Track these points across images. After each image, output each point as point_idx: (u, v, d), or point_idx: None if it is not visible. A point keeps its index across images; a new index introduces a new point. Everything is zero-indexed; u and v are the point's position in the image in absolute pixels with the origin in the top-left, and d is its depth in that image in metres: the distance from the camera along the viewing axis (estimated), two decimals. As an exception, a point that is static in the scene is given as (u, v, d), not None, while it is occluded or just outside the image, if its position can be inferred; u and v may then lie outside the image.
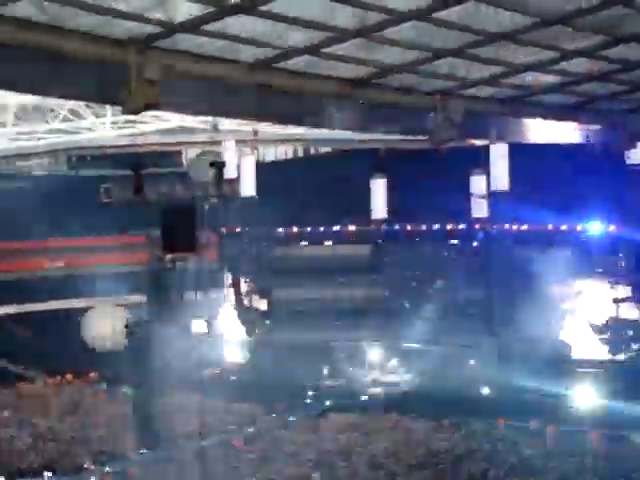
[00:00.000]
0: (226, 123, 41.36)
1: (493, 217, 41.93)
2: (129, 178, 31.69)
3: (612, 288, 40.70)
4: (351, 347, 45.57)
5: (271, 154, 49.64)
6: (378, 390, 41.78)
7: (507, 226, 42.54)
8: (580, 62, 19.25)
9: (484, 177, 41.60)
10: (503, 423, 36.33)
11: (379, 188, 43.54)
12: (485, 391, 39.95)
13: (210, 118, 39.12)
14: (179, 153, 49.55)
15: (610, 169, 38.84)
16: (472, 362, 41.95)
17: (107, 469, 32.85)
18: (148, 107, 14.27)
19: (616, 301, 40.44)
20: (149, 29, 13.92)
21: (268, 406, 40.70)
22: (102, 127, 42.02)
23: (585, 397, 31.94)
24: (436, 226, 44.77)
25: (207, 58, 15.38)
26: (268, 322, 47.90)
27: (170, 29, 13.94)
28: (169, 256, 32.50)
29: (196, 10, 13.46)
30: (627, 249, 40.47)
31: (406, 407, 38.84)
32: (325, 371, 44.59)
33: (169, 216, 23.54)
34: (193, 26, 13.87)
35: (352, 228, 46.12)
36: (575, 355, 40.69)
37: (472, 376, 41.20)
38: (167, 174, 47.17)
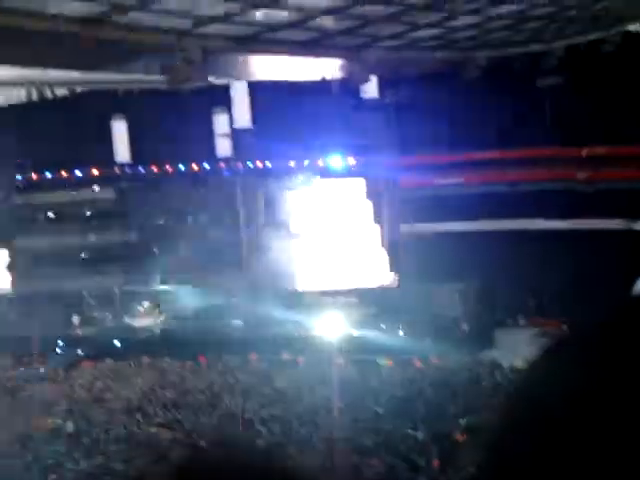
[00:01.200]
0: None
1: (238, 155, 42.24)
2: None
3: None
4: (102, 294, 44.88)
5: (2, 99, 47.36)
6: (131, 335, 41.46)
7: (251, 164, 42.95)
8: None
9: (226, 116, 41.76)
10: (256, 357, 37.19)
11: (121, 129, 42.78)
12: (238, 327, 40.53)
13: None
14: None
15: (348, 104, 39.93)
16: (224, 299, 42.39)
17: None
18: None
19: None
20: None
21: (14, 359, 39.56)
22: None
23: (332, 325, 33.08)
24: (182, 167, 44.53)
25: None
26: (11, 273, 46.33)
27: None
28: None
29: None
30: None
31: (160, 349, 38.88)
32: (76, 320, 43.75)
33: None
34: None
35: (95, 172, 45.05)
36: (318, 286, 41.98)
37: (224, 313, 41.68)
38: None
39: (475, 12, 22.90)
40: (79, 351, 39.74)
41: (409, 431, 27.05)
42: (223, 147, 42.59)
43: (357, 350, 35.53)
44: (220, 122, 42.07)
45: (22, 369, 38.59)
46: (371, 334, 37.49)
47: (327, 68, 28.09)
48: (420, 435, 26.69)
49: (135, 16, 18.00)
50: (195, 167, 44.45)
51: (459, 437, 25.90)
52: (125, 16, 17.43)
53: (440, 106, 38.85)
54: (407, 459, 25.18)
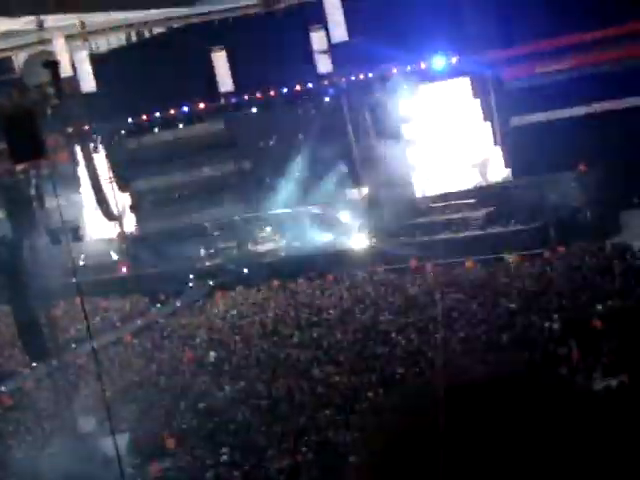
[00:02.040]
0: (51, 20, 39.74)
1: (339, 70, 41.92)
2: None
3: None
4: (223, 224, 45.58)
5: (104, 44, 48.00)
6: (257, 260, 42.08)
7: (353, 78, 42.58)
8: None
9: (323, 32, 41.41)
10: (383, 269, 37.32)
11: (221, 61, 42.92)
12: (361, 242, 40.70)
13: (33, 17, 37.51)
14: (9, 59, 47.54)
15: (446, 1, 39.16)
16: (342, 216, 42.57)
17: (2, 388, 32.57)
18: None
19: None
20: None
21: (151, 297, 40.74)
22: None
23: (454, 227, 33.10)
24: (285, 89, 44.47)
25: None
26: (134, 214, 47.43)
27: None
28: (20, 166, 31.52)
29: None
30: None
31: (287, 271, 39.41)
32: (202, 252, 44.64)
33: (11, 126, 22.68)
34: None
35: (202, 106, 45.43)
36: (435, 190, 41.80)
37: (344, 230, 41.91)
38: (1, 83, 45.29)
39: None
40: (210, 282, 40.60)
41: (545, 324, 26.86)
42: (323, 64, 42.31)
43: (482, 249, 35.37)
44: (317, 39, 41.76)
45: (158, 305, 39.73)
46: (494, 231, 37.20)
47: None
48: (556, 326, 26.48)
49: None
50: (298, 87, 44.33)
51: (596, 324, 25.58)
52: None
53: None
54: (546, 351, 25.04)
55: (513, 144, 39.93)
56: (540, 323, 26.90)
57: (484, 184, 41.23)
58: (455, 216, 38.93)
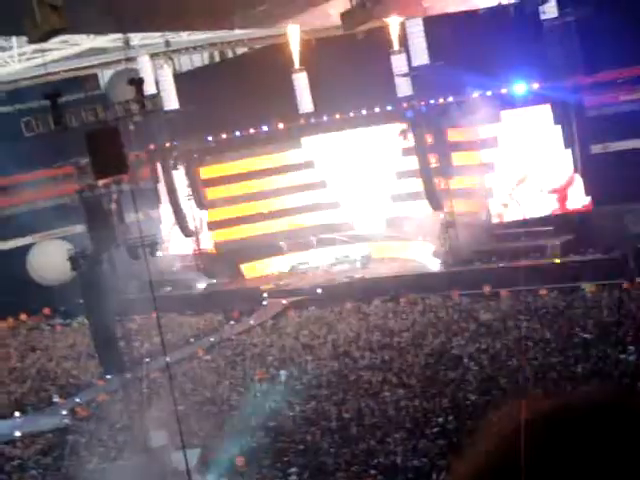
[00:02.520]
0: (137, 38, 40.54)
1: (419, 93, 41.88)
2: (49, 109, 30.91)
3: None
4: (299, 243, 45.83)
5: (187, 63, 48.78)
6: (331, 281, 42.17)
7: (433, 101, 42.50)
8: None
9: (404, 55, 41.49)
10: (457, 293, 37.09)
11: (302, 81, 43.23)
12: (435, 266, 40.56)
13: (120, 35, 38.28)
14: (95, 76, 48.54)
15: (527, 27, 38.89)
16: (418, 239, 42.49)
17: (77, 400, 33.08)
18: (54, 33, 13.95)
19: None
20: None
21: (225, 314, 41.05)
22: (10, 61, 40.98)
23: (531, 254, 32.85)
24: (364, 111, 44.58)
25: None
26: (214, 232, 47.86)
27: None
28: (102, 181, 32.12)
29: None
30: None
31: (360, 293, 39.40)
32: (277, 271, 44.92)
33: (95, 141, 23.15)
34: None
35: (281, 126, 45.77)
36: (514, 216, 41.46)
37: (419, 254, 41.82)
38: (86, 99, 46.24)
39: None
40: (283, 301, 40.77)
41: (620, 355, 26.44)
42: (403, 87, 42.34)
43: (559, 277, 34.97)
44: (398, 62, 41.84)
45: (232, 323, 40.02)
46: (571, 260, 36.77)
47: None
48: (632, 358, 26.05)
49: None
50: (377, 110, 44.39)
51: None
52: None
53: (624, 17, 37.22)
54: (621, 383, 24.63)
55: (594, 172, 39.42)
56: (616, 355, 26.49)
57: (563, 212, 40.77)
58: (532, 243, 38.57)
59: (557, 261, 36.95)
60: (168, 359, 29.43)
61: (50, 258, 44.57)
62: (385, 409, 26.48)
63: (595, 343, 27.86)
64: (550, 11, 36.30)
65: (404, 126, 43.06)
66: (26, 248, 47.36)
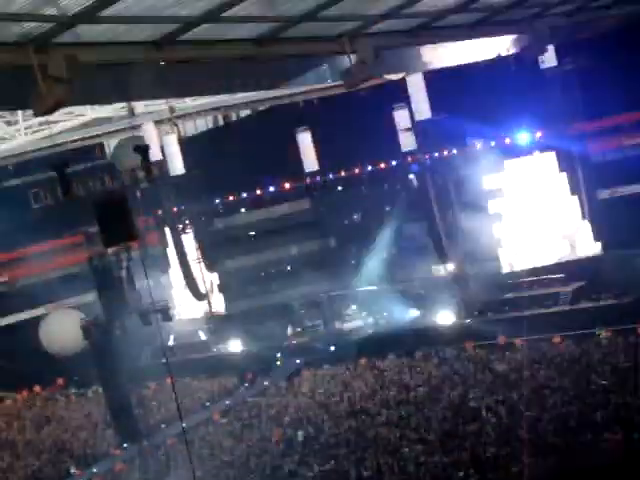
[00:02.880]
0: (142, 106, 40.92)
1: (423, 146, 42.11)
2: (56, 179, 31.19)
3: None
4: (310, 302, 45.80)
5: (192, 127, 49.25)
6: (344, 338, 42.08)
7: (437, 154, 42.77)
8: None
9: (406, 110, 41.76)
10: (472, 345, 36.95)
11: (306, 141, 43.47)
12: (448, 319, 40.40)
13: (125, 104, 38.70)
14: (101, 145, 49.00)
15: (527, 77, 39.18)
16: (429, 292, 42.40)
17: (94, 470, 32.84)
18: (59, 105, 14.04)
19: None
20: (45, 27, 13.66)
21: (240, 376, 40.91)
22: (17, 134, 41.33)
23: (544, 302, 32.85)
24: (369, 167, 44.89)
25: (110, 45, 15.16)
26: (222, 294, 47.88)
27: (66, 22, 13.69)
28: (111, 249, 32.29)
29: (88, -2, 13.23)
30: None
31: (374, 348, 39.25)
32: (289, 330, 44.81)
33: (103, 209, 23.23)
34: (89, 15, 13.64)
35: (287, 185, 46.05)
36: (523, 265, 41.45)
37: (431, 307, 41.68)
38: (93, 168, 46.68)
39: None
40: (297, 360, 40.63)
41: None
42: (407, 141, 42.55)
43: (573, 324, 34.80)
44: (400, 117, 42.07)
45: (247, 384, 39.84)
46: (584, 306, 36.65)
47: (501, 45, 27.68)
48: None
49: (306, 27, 18.29)
50: (382, 165, 44.68)
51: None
52: (298, 28, 17.73)
53: (623, 63, 37.51)
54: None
55: (601, 217, 39.47)
56: (635, 401, 26.23)
57: (573, 258, 40.74)
58: (544, 291, 38.47)
59: (570, 308, 36.82)
60: (184, 425, 29.27)
61: (62, 328, 44.58)
62: (405, 465, 26.19)
63: (613, 390, 27.61)
64: (549, 60, 36.52)
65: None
66: (38, 319, 47.39)
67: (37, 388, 44.43)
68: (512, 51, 28.27)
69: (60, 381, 44.59)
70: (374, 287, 44.72)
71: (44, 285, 46.48)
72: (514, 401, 28.88)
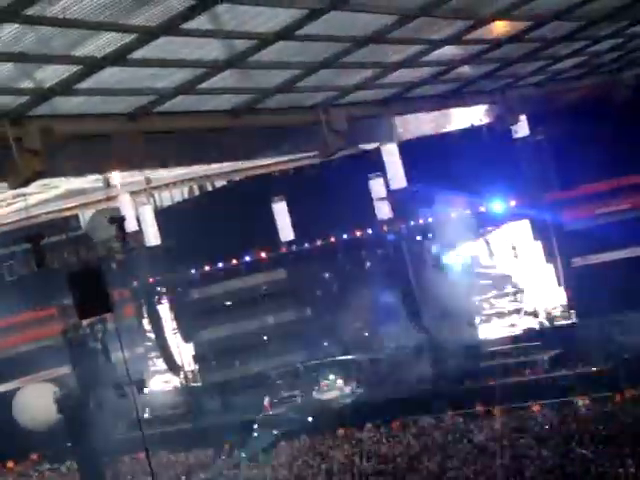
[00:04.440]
0: (117, 177, 40.90)
1: (399, 216, 42.32)
2: (30, 251, 31.06)
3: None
4: (286, 372, 45.50)
5: (167, 198, 49.31)
6: (322, 409, 41.75)
7: (412, 222, 42.98)
8: (448, 49, 19.58)
9: (381, 179, 42.00)
10: (451, 414, 36.75)
11: (281, 210, 43.56)
12: (426, 388, 40.21)
13: (100, 176, 38.68)
14: (76, 216, 48.90)
15: (500, 147, 39.63)
16: (408, 363, 42.28)
17: None
18: (35, 177, 14.03)
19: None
20: (20, 100, 13.70)
21: (216, 448, 40.41)
22: (-9, 207, 41.15)
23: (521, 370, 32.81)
24: (345, 236, 45.00)
25: (87, 116, 15.21)
26: (198, 365, 47.52)
27: (42, 95, 13.74)
28: (86, 321, 32.06)
29: (63, 72, 13.30)
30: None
31: (352, 418, 38.96)
32: (266, 401, 44.41)
33: (77, 281, 23.11)
34: (64, 88, 13.69)
35: (263, 255, 46.04)
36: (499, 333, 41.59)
37: (408, 376, 41.49)
38: (68, 239, 46.55)
39: (616, 34, 22.46)
40: (274, 431, 40.23)
41: (620, 470, 26.05)
42: (382, 210, 42.74)
43: (550, 393, 34.72)
44: (376, 186, 42.30)
45: (223, 457, 39.36)
46: (561, 374, 36.62)
47: (474, 114, 28.03)
48: (632, 470, 25.66)
49: (281, 98, 18.46)
50: (358, 233, 44.81)
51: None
52: (272, 99, 17.89)
53: (594, 133, 38.00)
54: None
55: (576, 285, 39.67)
56: (615, 469, 26.10)
57: (549, 326, 40.82)
58: (521, 359, 38.46)
59: (547, 376, 36.78)
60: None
61: (36, 402, 43.97)
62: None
63: (593, 458, 27.48)
64: (522, 130, 36.99)
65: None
66: (11, 393, 46.74)
67: (10, 463, 43.68)
68: (485, 121, 28.65)
69: (34, 456, 43.87)
70: (350, 356, 44.53)
71: (17, 358, 45.96)
72: (493, 471, 28.67)
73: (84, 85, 14.03)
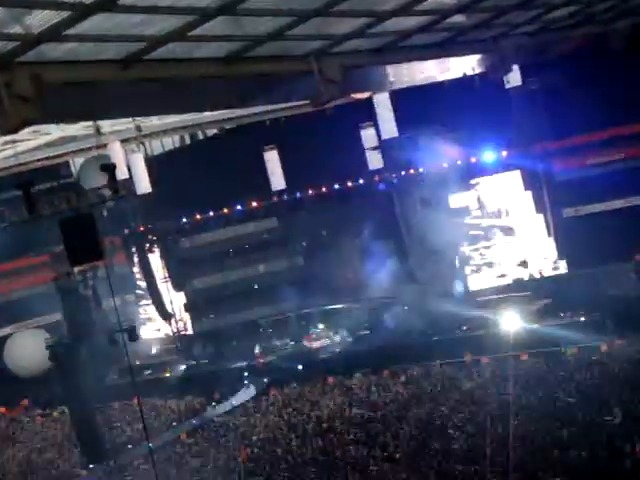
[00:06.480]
0: (108, 125, 40.70)
1: (390, 166, 42.25)
2: (22, 198, 31.00)
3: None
4: (277, 321, 45.70)
5: (158, 146, 49.10)
6: (312, 357, 42.01)
7: (403, 172, 42.95)
8: (442, -2, 19.39)
9: (373, 129, 41.88)
10: (439, 362, 37.01)
11: (273, 159, 43.45)
12: (415, 336, 40.46)
13: (91, 123, 38.46)
14: (67, 164, 48.73)
15: (493, 96, 39.49)
16: (396, 310, 42.49)
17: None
18: (26, 124, 13.92)
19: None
20: (10, 45, 13.57)
21: (207, 396, 40.70)
22: (-18, 153, 40.95)
23: (510, 321, 32.97)
24: (336, 185, 44.97)
25: (77, 63, 15.06)
26: (189, 314, 47.68)
27: (31, 40, 13.61)
28: (77, 268, 32.10)
29: (53, 17, 13.16)
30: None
31: (342, 367, 39.23)
32: (257, 349, 44.66)
33: (69, 228, 23.11)
34: (54, 33, 13.56)
35: (255, 204, 46.03)
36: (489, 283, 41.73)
37: (398, 325, 41.72)
38: (59, 187, 46.37)
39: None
40: (265, 379, 40.49)
41: (606, 418, 26.36)
42: (374, 160, 42.65)
43: (540, 342, 34.98)
44: (367, 136, 42.16)
45: (214, 404, 39.63)
46: (551, 324, 36.85)
47: (467, 64, 27.86)
48: (618, 421, 25.97)
49: (273, 46, 18.32)
50: (349, 184, 44.77)
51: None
52: (265, 47, 17.75)
53: (588, 83, 37.90)
54: (608, 447, 24.52)
55: (567, 235, 39.79)
56: (601, 418, 26.41)
57: (539, 276, 40.99)
58: (510, 309, 38.64)
59: (536, 326, 37.00)
60: (151, 445, 29.07)
61: (28, 349, 44.17)
62: (372, 484, 26.20)
63: (579, 407, 27.79)
64: (514, 80, 36.84)
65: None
66: (3, 339, 46.92)
67: (2, 409, 43.92)
68: (478, 70, 28.48)
69: (25, 402, 44.11)
70: (341, 305, 44.72)
71: (9, 305, 46.08)
72: (481, 419, 28.97)
73: (73, 31, 13.90)
